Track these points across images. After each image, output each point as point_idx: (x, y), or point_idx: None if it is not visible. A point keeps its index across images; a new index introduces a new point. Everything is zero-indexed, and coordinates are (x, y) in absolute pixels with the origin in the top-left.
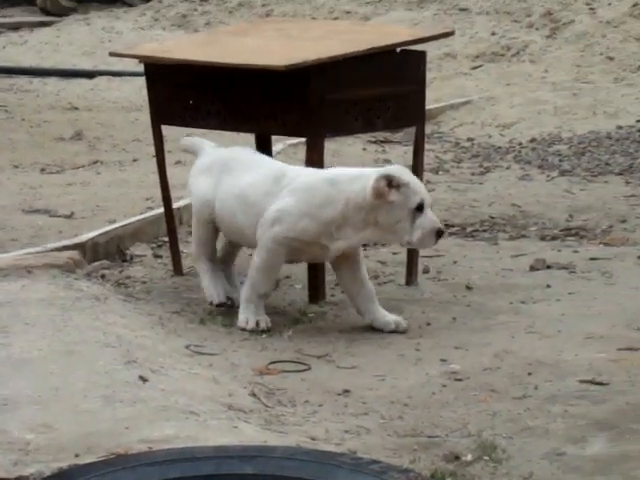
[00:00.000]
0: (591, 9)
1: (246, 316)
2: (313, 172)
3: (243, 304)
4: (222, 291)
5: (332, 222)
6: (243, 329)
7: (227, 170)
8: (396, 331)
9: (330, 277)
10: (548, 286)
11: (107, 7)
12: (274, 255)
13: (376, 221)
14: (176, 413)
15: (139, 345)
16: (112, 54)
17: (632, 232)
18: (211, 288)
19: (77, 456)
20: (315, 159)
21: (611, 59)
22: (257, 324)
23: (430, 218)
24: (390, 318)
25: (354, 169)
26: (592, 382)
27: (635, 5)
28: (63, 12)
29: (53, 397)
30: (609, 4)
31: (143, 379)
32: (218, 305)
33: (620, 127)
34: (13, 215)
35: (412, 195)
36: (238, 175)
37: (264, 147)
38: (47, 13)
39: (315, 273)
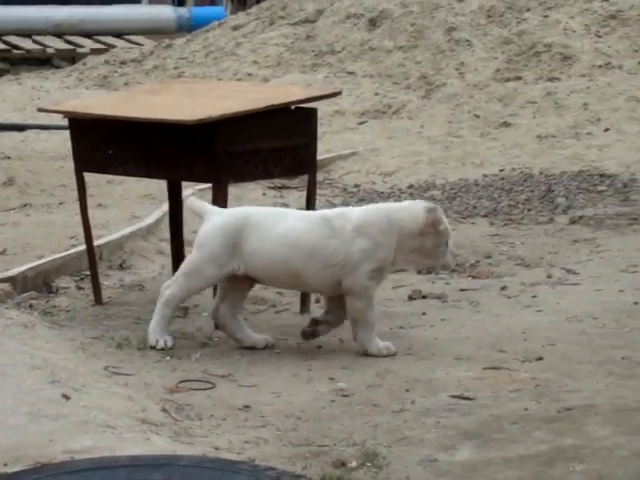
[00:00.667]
0: (460, 73)
1: (380, 348)
2: (360, 209)
3: (373, 349)
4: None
5: (393, 248)
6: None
7: (252, 226)
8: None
9: None
10: (424, 313)
11: (37, 69)
12: (371, 289)
13: (420, 247)
14: (95, 427)
15: (62, 367)
16: (40, 110)
17: (496, 266)
18: (159, 331)
19: (5, 465)
20: (220, 203)
21: (477, 117)
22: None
23: (451, 245)
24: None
25: (390, 203)
26: (461, 397)
27: (497, 71)
28: None
29: None
30: (475, 69)
31: (66, 397)
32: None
33: (486, 175)
34: None
35: (448, 226)
36: (271, 227)
37: (175, 192)
38: None
39: None
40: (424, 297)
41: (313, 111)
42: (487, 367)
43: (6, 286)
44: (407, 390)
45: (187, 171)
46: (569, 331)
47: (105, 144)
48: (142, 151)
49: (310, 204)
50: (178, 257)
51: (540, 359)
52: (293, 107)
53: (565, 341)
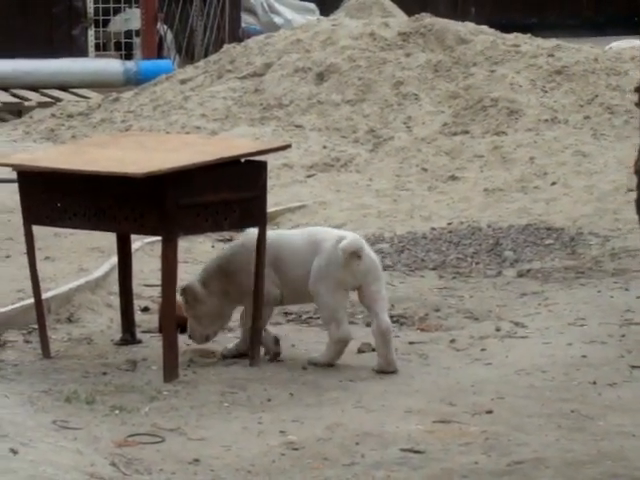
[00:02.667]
0: (408, 127)
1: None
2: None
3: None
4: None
5: None
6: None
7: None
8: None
9: (182, 358)
10: (373, 367)
11: None
12: None
13: None
14: None
15: (10, 421)
16: None
17: (445, 319)
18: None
19: None
20: (170, 256)
21: (425, 170)
22: None
23: None
24: None
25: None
26: (411, 450)
27: (445, 124)
28: None
29: None
30: (423, 123)
31: (13, 451)
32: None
33: (434, 229)
34: None
35: None
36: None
37: (124, 245)
38: None
39: (170, 355)
40: (374, 350)
41: (263, 164)
42: (437, 420)
43: None
44: (357, 443)
45: (136, 224)
46: (518, 384)
47: (54, 197)
48: (91, 204)
49: (259, 258)
50: (127, 310)
51: (490, 412)
52: (243, 160)
53: (514, 394)
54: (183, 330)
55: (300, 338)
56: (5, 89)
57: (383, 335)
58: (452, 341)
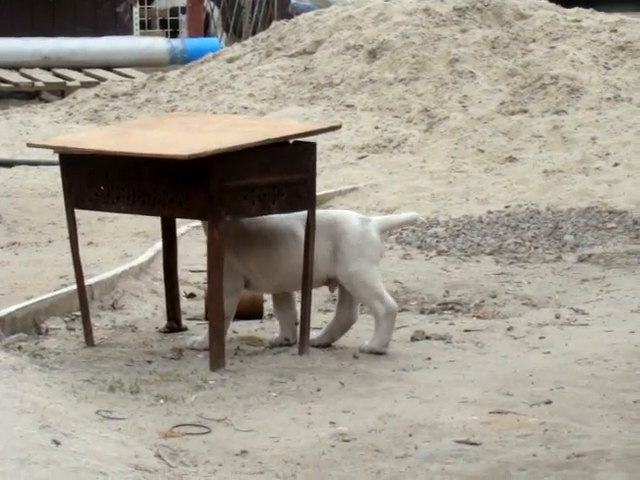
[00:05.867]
0: (464, 107)
1: None
2: None
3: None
4: None
5: None
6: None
7: None
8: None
9: (229, 346)
10: (427, 355)
11: (25, 103)
12: None
13: None
14: (87, 474)
15: (53, 411)
16: (30, 145)
17: (501, 306)
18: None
19: None
20: (217, 240)
21: (482, 151)
22: None
23: None
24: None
25: None
26: (466, 442)
27: (502, 103)
28: None
29: None
30: (480, 102)
31: (56, 442)
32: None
33: (490, 212)
34: None
35: None
36: None
37: (169, 229)
38: None
39: (217, 343)
40: (427, 338)
41: (312, 145)
42: (493, 411)
43: None
44: (410, 435)
45: (182, 208)
46: (578, 374)
47: (97, 180)
48: (135, 187)
49: (308, 242)
50: (172, 296)
51: (549, 403)
52: (291, 141)
53: (574, 384)
54: (237, 317)
55: (352, 327)
56: (48, 69)
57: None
58: (509, 329)
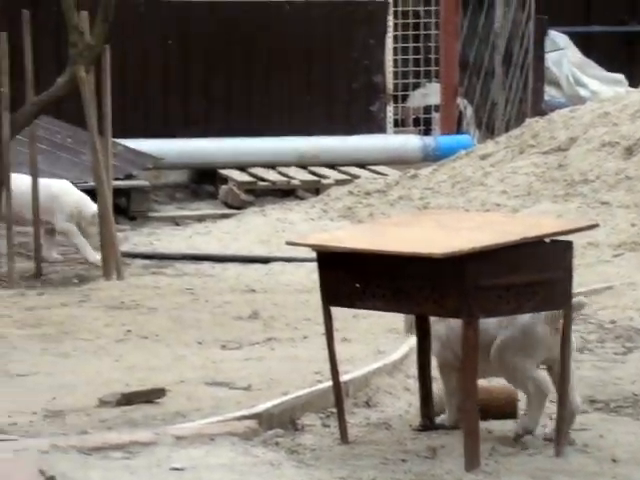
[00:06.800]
0: None
1: None
2: None
3: None
4: None
5: None
6: None
7: None
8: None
9: (484, 446)
10: None
11: (281, 200)
12: None
13: None
14: None
15: None
16: (288, 243)
17: None
18: None
19: None
20: (471, 338)
21: None
22: None
23: None
24: None
25: None
26: None
27: None
28: (242, 205)
29: None
30: None
31: None
32: None
33: None
34: (197, 387)
35: None
36: None
37: (423, 326)
38: (228, 206)
39: (472, 442)
40: None
41: (569, 244)
42: None
43: (252, 423)
44: None
45: (436, 305)
46: None
47: (353, 277)
48: (390, 285)
49: (565, 342)
50: (426, 394)
51: None
52: (548, 240)
53: None
54: (484, 416)
55: (608, 428)
56: (303, 167)
57: (571, 416)
58: None
